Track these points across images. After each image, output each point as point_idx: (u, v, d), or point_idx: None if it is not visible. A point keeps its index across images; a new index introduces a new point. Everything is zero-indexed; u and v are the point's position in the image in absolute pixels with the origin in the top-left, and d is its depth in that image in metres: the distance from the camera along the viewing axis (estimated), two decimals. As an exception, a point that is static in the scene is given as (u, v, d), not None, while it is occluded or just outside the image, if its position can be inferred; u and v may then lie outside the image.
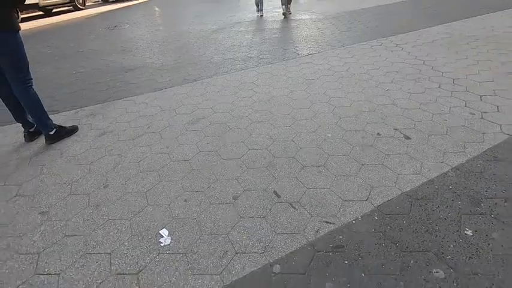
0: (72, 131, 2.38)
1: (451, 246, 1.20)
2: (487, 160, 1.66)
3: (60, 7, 12.24)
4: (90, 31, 7.10)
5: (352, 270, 1.14)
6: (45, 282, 1.20)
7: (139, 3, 13.45)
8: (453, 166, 1.64)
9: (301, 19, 6.20)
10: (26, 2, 10.35)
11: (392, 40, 4.14)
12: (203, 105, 2.69)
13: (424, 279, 1.08)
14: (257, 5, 6.84)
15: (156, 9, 11.00)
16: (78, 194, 1.70)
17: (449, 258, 1.15)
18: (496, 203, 1.38)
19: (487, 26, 4.42)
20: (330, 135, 2.05)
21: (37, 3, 10.80)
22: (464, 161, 1.67)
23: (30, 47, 5.94)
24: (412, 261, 1.15)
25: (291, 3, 6.66)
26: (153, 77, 3.57)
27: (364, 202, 1.46)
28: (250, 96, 2.79)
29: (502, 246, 1.18)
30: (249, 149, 1.98)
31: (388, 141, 1.93)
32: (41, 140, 2.33)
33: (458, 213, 1.35)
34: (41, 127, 2.21)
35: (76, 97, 3.13)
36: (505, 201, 1.38)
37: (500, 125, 1.98)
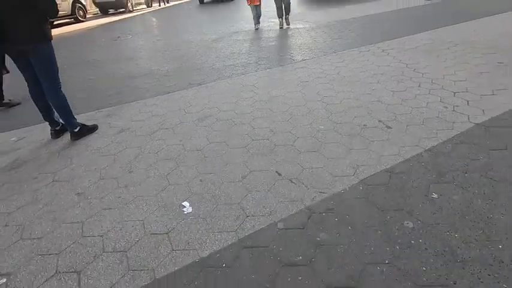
0: (93, 128, 2.66)
1: (420, 205, 1.50)
2: (455, 143, 1.98)
3: (61, 19, 12.62)
4: (94, 42, 7.45)
5: (341, 225, 1.43)
6: (92, 242, 1.47)
7: (137, 15, 13.89)
8: (426, 148, 1.95)
9: (296, 28, 6.60)
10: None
11: (379, 46, 4.52)
12: (209, 106, 2.99)
13: (397, 229, 1.38)
14: (254, 18, 7.02)
15: (154, 20, 11.42)
16: (107, 179, 1.98)
17: (417, 214, 1.45)
18: (458, 175, 1.68)
19: (466, 32, 4.83)
20: (322, 127, 2.36)
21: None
22: (436, 144, 1.98)
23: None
24: (388, 217, 1.45)
25: (289, 14, 6.82)
26: (160, 82, 3.88)
27: (351, 177, 1.76)
28: (251, 97, 3.10)
29: (460, 204, 1.48)
30: (253, 140, 2.27)
31: (372, 130, 2.24)
32: (66, 137, 2.60)
33: (427, 183, 1.65)
34: (67, 125, 2.50)
35: (91, 100, 3.42)
36: (465, 173, 1.69)
37: (468, 116, 2.30)
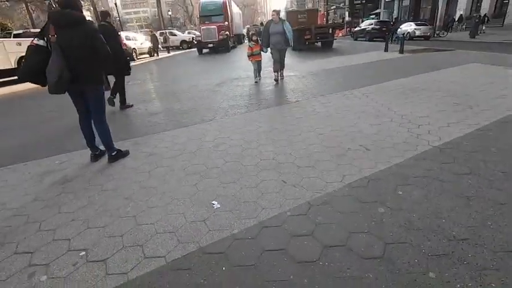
0: (126, 153, 3.20)
1: (389, 198, 2.05)
2: (416, 159, 2.60)
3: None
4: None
5: (333, 212, 1.95)
6: (146, 228, 1.94)
7: (142, 63, 15.16)
8: (395, 163, 2.56)
9: (288, 75, 7.58)
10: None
11: (360, 91, 5.37)
12: (222, 135, 3.60)
13: (373, 213, 1.91)
14: (255, 72, 7.12)
15: (159, 68, 12.54)
16: (147, 188, 2.48)
17: (387, 204, 1.99)
18: (417, 179, 2.27)
19: (431, 80, 5.80)
20: (316, 150, 2.97)
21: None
22: (402, 160, 2.59)
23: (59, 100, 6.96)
24: (367, 206, 1.98)
25: (283, 69, 7.10)
26: (176, 118, 4.53)
27: (339, 182, 2.31)
28: (255, 129, 3.74)
29: (417, 197, 2.04)
30: (261, 160, 2.84)
31: (355, 152, 2.85)
32: (103, 160, 3.12)
33: (395, 185, 2.22)
34: (107, 148, 3.03)
35: (119, 132, 3.97)
36: (423, 178, 2.27)
37: (428, 141, 2.96)
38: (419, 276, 1.42)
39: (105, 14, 5.11)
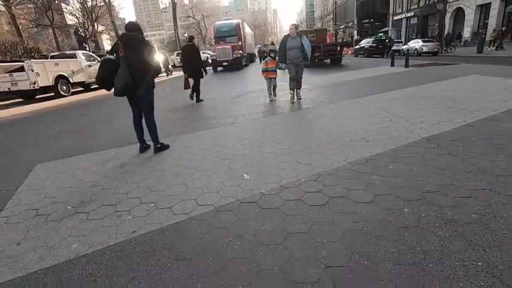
0: (167, 146, 3.89)
1: (382, 170, 2.63)
2: (407, 146, 3.17)
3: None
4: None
5: (337, 179, 2.55)
6: (195, 191, 2.58)
7: (160, 81, 16.28)
8: (389, 149, 3.14)
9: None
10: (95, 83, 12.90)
11: (364, 99, 6.00)
12: (243, 134, 4.27)
13: (367, 179, 2.49)
14: (269, 89, 6.78)
15: (176, 85, 13.54)
16: (189, 168, 3.13)
17: (380, 173, 2.57)
18: (405, 158, 2.84)
19: (431, 89, 6.38)
20: (324, 142, 3.58)
21: (84, 81, 13.40)
22: (396, 147, 3.17)
23: (92, 111, 7.87)
24: (363, 175, 2.57)
25: (300, 88, 6.72)
26: (203, 122, 5.25)
27: (343, 162, 2.91)
28: (273, 129, 4.40)
29: (404, 170, 2.61)
30: (278, 149, 3.48)
31: (356, 143, 3.45)
32: (149, 152, 3.82)
33: (387, 162, 2.79)
34: (154, 141, 3.74)
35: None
36: (410, 157, 2.85)
37: (419, 134, 3.54)
38: (396, 211, 1.99)
39: (192, 38, 7.86)
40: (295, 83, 6.43)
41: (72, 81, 12.53)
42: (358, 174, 2.61)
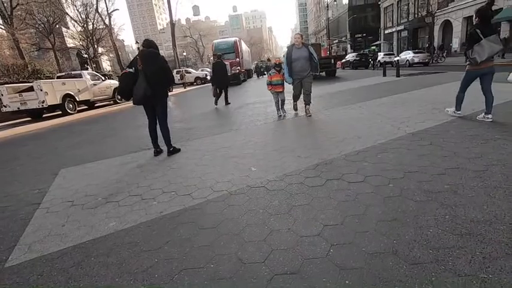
0: (179, 150, 4.28)
1: (372, 159, 3.02)
2: (394, 140, 3.58)
3: (104, 101, 15.52)
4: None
5: (333, 166, 2.93)
6: (210, 181, 2.95)
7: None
8: (379, 143, 3.54)
9: (297, 98, 8.78)
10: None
11: (357, 105, 6.46)
12: (248, 137, 4.67)
13: (359, 166, 2.88)
14: (277, 104, 6.20)
15: (180, 100, 14.08)
16: (202, 165, 3.51)
17: (370, 161, 2.96)
18: (393, 149, 3.24)
19: (419, 94, 6.86)
20: (321, 140, 3.99)
21: (89, 99, 13.93)
22: (384, 141, 3.58)
23: (101, 125, 8.28)
24: (355, 163, 2.96)
25: (309, 104, 5.98)
26: (208, 130, 5.67)
27: (337, 154, 3.31)
28: (274, 132, 4.81)
29: (392, 158, 3.00)
30: (280, 147, 3.87)
31: (350, 139, 3.86)
32: (163, 155, 4.20)
33: (376, 153, 3.19)
34: (167, 145, 4.13)
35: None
36: (398, 149, 3.25)
37: (405, 130, 3.95)
38: (383, 186, 2.37)
39: (219, 56, 9.79)
40: (298, 98, 6.10)
41: (78, 100, 13.04)
42: (351, 162, 3.00)
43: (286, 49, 5.79)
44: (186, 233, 2.05)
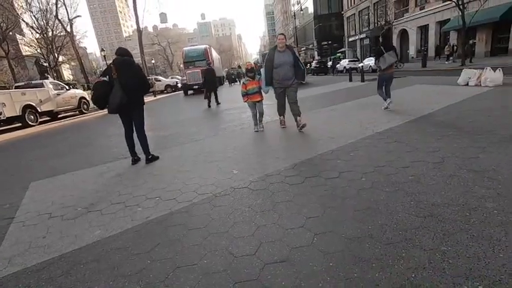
0: (157, 157, 4.27)
1: (344, 157, 3.27)
2: (364, 139, 3.88)
3: (70, 112, 14.77)
4: (114, 123, 9.32)
5: (310, 165, 3.13)
6: (193, 185, 3.01)
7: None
8: (350, 142, 3.82)
9: (269, 104, 9.03)
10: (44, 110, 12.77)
11: (328, 108, 6.84)
12: (227, 142, 4.77)
13: (333, 163, 3.10)
14: (255, 118, 5.34)
15: (153, 108, 13.81)
16: (184, 171, 3.55)
17: (343, 159, 3.20)
18: (362, 147, 3.52)
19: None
20: (297, 142, 4.20)
21: (52, 110, 13.22)
22: (354, 140, 3.86)
23: (74, 135, 7.92)
24: (330, 161, 3.18)
25: (300, 115, 4.92)
26: (185, 137, 5.68)
27: (314, 154, 3.52)
28: (251, 137, 4.96)
29: (365, 152, 3.27)
30: (259, 150, 4.03)
31: (324, 140, 4.10)
32: (141, 163, 4.17)
33: (348, 151, 3.45)
34: (145, 153, 4.10)
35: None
36: (366, 146, 3.53)
37: (373, 130, 4.29)
38: (356, 180, 2.60)
39: (209, 63, 12.39)
40: (283, 109, 5.25)
41: (40, 111, 12.30)
42: (326, 160, 3.22)
43: (267, 52, 4.94)
44: (176, 234, 2.11)
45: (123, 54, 3.83)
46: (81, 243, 2.16)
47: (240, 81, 29.47)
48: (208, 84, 11.07)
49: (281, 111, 5.33)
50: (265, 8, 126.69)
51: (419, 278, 1.42)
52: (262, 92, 5.29)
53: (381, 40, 6.01)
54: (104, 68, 17.83)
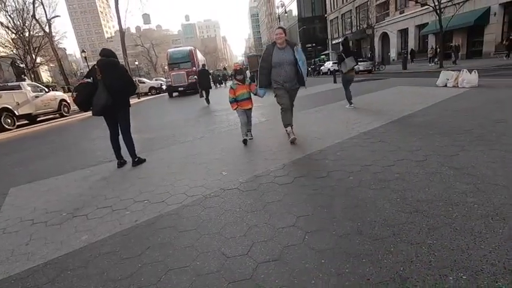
0: (144, 160, 4.20)
1: (331, 156, 3.33)
2: (350, 139, 3.97)
3: (50, 115, 14.25)
4: (98, 126, 9.08)
5: (299, 165, 3.17)
6: (182, 187, 2.99)
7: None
8: (336, 142, 3.90)
9: (257, 105, 9.08)
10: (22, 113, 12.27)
11: (314, 109, 6.94)
12: (214, 144, 4.75)
13: (322, 162, 3.16)
14: (244, 127, 4.58)
15: (138, 110, 13.55)
16: (172, 173, 3.51)
17: (331, 158, 3.26)
18: (348, 147, 3.60)
19: (364, 99, 7.59)
20: (285, 142, 4.24)
21: (31, 113, 12.73)
22: (341, 140, 3.95)
23: (50, 139, 7.66)
24: (318, 161, 3.24)
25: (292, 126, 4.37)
26: (172, 139, 5.61)
27: (302, 155, 3.57)
28: (239, 138, 4.96)
29: (345, 154, 3.35)
30: (248, 151, 4.04)
31: (311, 140, 4.16)
32: (127, 166, 4.09)
33: (335, 151, 3.52)
34: (132, 155, 4.02)
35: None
36: (351, 146, 3.62)
37: (358, 130, 4.40)
38: (344, 179, 2.66)
39: (204, 65, 13.77)
40: (289, 116, 4.26)
41: (18, 114, 11.80)
42: (314, 160, 3.28)
43: (265, 49, 4.24)
44: (166, 237, 2.09)
45: (107, 55, 3.75)
46: (68, 249, 2.10)
47: (225, 84, 29.22)
48: (203, 84, 11.92)
49: (287, 118, 4.20)
50: (250, 10, 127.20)
51: (408, 271, 1.48)
52: (253, 97, 4.63)
53: (341, 48, 6.73)
54: (85, 70, 17.33)
